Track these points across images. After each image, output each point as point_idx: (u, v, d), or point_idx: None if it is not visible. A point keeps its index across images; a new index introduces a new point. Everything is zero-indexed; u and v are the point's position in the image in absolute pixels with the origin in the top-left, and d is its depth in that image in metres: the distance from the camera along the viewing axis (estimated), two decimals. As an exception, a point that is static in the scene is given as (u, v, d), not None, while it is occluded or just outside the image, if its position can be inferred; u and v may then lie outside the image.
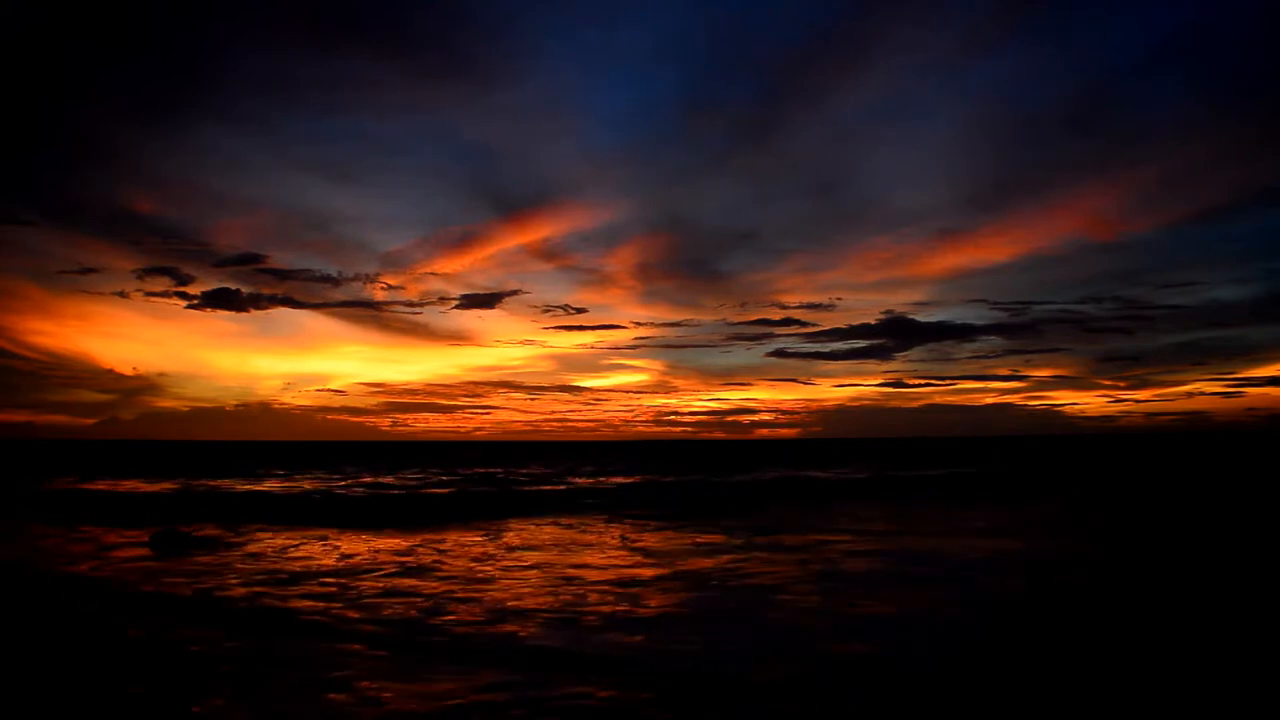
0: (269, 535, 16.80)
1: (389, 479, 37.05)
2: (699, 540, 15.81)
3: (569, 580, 11.23)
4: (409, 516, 21.68)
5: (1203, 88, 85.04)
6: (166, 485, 31.77)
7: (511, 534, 17.25)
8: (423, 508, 24.55)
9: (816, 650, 7.49)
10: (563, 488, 32.40)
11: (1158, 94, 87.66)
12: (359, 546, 15.12)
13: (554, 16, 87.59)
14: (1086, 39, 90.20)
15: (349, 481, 35.36)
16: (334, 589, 10.64)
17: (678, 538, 16.34)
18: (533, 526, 18.70)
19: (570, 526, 18.69)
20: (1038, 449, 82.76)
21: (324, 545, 15.31)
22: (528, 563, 12.95)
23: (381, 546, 15.13)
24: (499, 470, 46.21)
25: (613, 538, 16.49)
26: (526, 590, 10.50)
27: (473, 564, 12.82)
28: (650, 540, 16.08)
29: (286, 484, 34.04)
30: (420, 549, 14.68)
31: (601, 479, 38.06)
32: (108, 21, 68.95)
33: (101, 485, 32.11)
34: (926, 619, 8.92)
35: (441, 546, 15.05)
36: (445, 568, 12.46)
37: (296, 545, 15.27)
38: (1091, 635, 8.07)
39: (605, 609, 9.29)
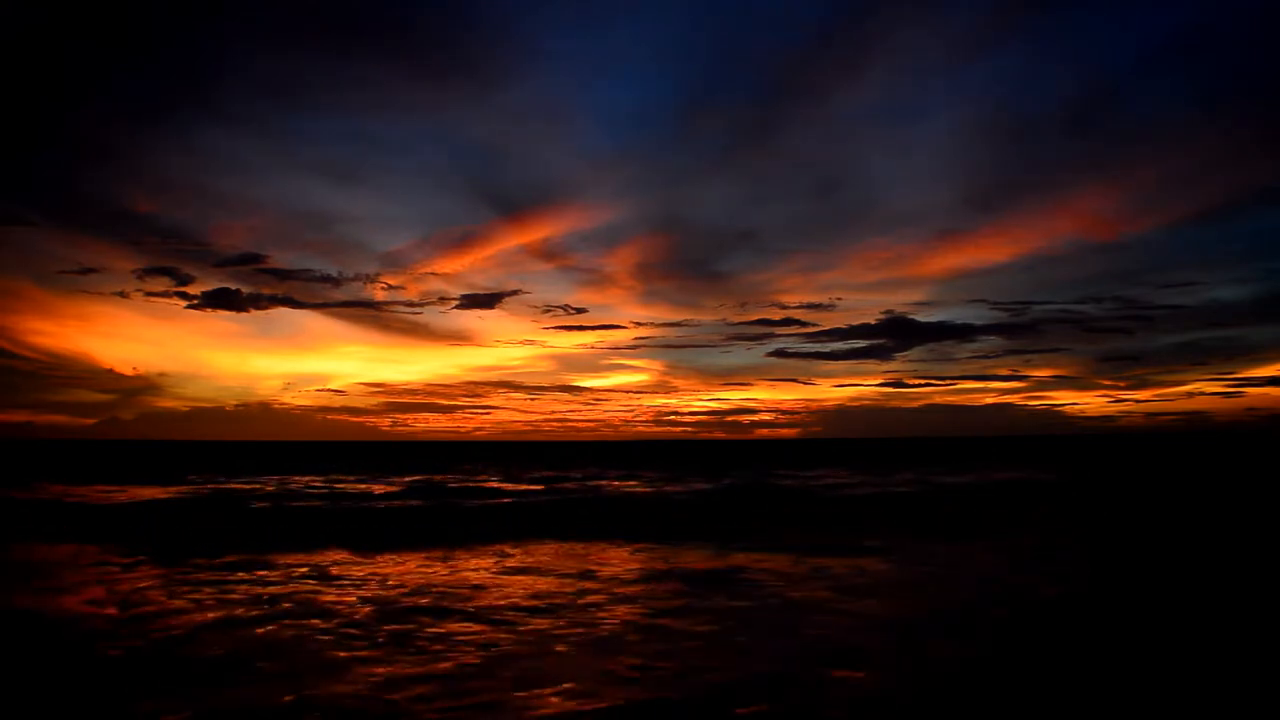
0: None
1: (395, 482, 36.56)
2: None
3: None
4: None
5: (1203, 88, 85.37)
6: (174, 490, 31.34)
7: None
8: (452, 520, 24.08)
9: None
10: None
11: (1158, 94, 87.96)
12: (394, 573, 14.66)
13: (554, 17, 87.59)
14: (1086, 39, 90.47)
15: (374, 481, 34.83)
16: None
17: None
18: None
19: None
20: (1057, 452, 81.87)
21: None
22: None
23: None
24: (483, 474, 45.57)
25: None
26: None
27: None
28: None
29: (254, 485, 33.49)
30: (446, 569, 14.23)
31: (602, 483, 37.50)
32: (108, 21, 68.81)
33: (96, 491, 31.70)
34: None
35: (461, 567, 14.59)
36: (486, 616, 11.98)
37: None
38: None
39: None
